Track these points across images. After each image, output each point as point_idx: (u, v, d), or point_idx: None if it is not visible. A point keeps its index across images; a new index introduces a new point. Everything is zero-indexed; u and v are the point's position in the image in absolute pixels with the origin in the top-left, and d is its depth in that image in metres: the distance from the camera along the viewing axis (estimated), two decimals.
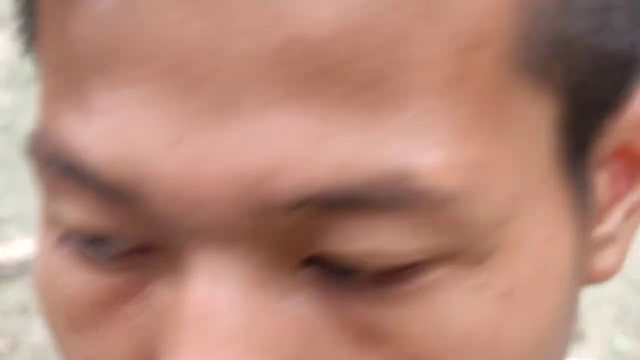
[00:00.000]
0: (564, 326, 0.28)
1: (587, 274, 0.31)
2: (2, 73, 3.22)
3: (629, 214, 0.31)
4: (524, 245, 0.25)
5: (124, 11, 0.23)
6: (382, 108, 0.22)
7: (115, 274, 0.26)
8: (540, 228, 0.26)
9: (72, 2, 0.24)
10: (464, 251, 0.24)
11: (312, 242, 0.24)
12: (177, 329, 0.24)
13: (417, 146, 0.23)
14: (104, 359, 0.27)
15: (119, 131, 0.23)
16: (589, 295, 2.42)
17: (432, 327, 0.24)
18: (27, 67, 3.05)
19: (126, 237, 0.25)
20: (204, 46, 0.22)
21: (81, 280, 0.26)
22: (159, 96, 0.23)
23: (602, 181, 0.30)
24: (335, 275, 0.24)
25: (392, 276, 0.24)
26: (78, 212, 0.25)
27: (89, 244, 0.26)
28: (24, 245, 2.67)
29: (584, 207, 0.28)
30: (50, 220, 0.27)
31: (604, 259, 0.31)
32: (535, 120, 0.25)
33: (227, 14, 0.22)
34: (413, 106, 0.23)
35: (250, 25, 0.22)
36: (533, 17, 0.24)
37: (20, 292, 2.53)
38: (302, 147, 0.22)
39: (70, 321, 0.27)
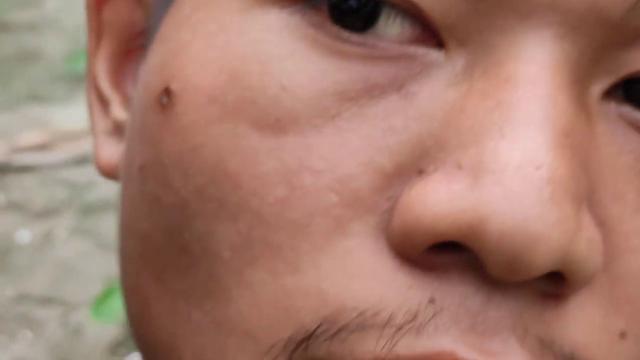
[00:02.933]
0: None
1: None
2: None
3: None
4: None
5: None
6: None
7: (370, 63, 0.23)
8: None
9: None
10: None
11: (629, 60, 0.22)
12: (500, 113, 0.21)
13: None
14: (319, 165, 0.22)
15: None
16: None
17: None
18: None
19: (405, 12, 0.22)
20: None
21: (314, 67, 0.23)
22: None
23: None
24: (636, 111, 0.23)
25: None
26: None
27: (342, 17, 0.22)
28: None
29: None
30: None
31: None
32: None
33: None
34: None
35: None
36: None
37: None
38: None
39: (272, 120, 0.23)
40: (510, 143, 0.21)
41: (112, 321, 1.79)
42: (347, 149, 0.22)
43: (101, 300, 1.81)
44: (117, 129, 0.30)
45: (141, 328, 0.26)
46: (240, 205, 0.23)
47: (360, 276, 0.22)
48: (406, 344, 0.21)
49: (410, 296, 0.22)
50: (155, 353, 0.26)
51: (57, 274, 2.16)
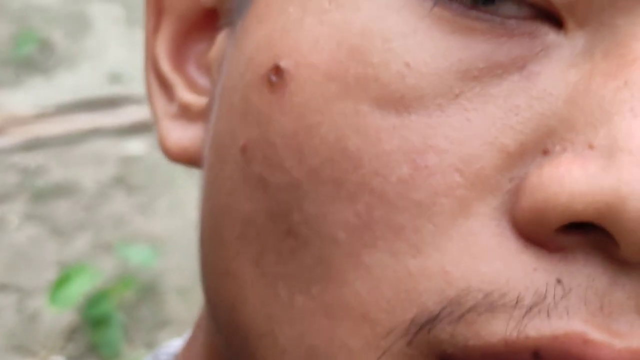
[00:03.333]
0: None
1: None
2: None
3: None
4: None
5: None
6: None
7: (493, 41, 0.23)
8: None
9: None
10: None
11: None
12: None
13: None
14: (444, 145, 0.22)
15: None
16: None
17: None
18: None
19: None
20: None
21: (437, 44, 0.23)
22: None
23: None
24: None
25: None
26: None
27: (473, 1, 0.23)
28: None
29: None
30: None
31: None
32: None
33: None
34: None
35: None
36: None
37: None
38: None
39: (395, 98, 0.22)
40: None
41: (69, 307, 1.78)
42: (471, 129, 0.22)
43: (58, 286, 1.79)
44: (184, 112, 0.29)
45: (231, 313, 0.25)
46: (360, 185, 0.22)
47: (485, 258, 0.22)
48: (536, 326, 0.21)
49: (536, 277, 0.21)
50: (245, 338, 0.25)
51: (10, 260, 2.13)
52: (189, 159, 0.29)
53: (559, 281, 0.21)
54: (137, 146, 2.22)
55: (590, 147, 0.21)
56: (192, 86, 0.30)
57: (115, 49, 2.53)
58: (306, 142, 0.23)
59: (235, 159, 0.25)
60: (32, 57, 2.54)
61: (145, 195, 2.09)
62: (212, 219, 0.26)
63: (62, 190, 2.24)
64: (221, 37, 0.29)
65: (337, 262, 0.23)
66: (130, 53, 2.43)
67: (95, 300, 1.78)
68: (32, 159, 2.43)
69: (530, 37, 0.23)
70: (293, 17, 0.24)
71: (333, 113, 0.23)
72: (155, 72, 0.30)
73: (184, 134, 0.29)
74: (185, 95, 0.30)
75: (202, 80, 0.30)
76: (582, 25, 0.23)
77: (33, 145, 2.37)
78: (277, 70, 0.24)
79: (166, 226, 1.99)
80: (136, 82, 2.21)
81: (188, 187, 1.97)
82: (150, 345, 1.76)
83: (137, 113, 2.23)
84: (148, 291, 1.86)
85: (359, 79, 0.23)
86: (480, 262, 0.22)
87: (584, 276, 0.22)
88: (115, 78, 2.45)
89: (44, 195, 2.32)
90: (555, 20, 0.23)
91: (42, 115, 2.40)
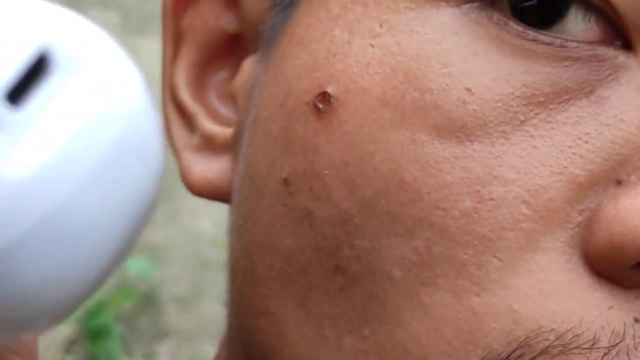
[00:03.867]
0: None
1: None
2: None
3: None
4: None
5: None
6: None
7: (559, 65, 0.21)
8: None
9: None
10: None
11: None
12: None
13: None
14: (510, 175, 0.21)
15: None
16: None
17: None
18: None
19: (593, 8, 0.21)
20: None
21: (499, 68, 0.22)
22: None
23: None
24: None
25: None
26: None
27: (524, 12, 0.22)
28: None
29: None
30: None
31: None
32: None
33: None
34: None
35: None
36: None
37: None
38: None
39: (456, 126, 0.21)
40: None
41: (67, 319, 1.77)
42: (538, 158, 0.21)
43: None
44: (208, 144, 0.28)
45: (270, 354, 0.24)
46: (419, 218, 0.21)
47: (556, 295, 0.20)
48: None
49: (612, 316, 0.20)
50: None
51: None
52: (214, 193, 0.28)
53: (637, 320, 0.20)
54: None
55: None
56: (214, 116, 0.29)
57: None
58: (358, 172, 0.22)
59: (275, 191, 0.23)
60: None
61: None
62: (247, 255, 0.25)
63: None
64: (248, 64, 0.27)
65: (392, 301, 0.21)
66: None
67: (93, 311, 1.77)
68: None
69: (597, 61, 0.22)
70: (339, 40, 0.23)
71: (388, 142, 0.21)
72: (174, 101, 0.29)
73: (208, 167, 0.28)
74: (208, 125, 0.28)
75: (224, 110, 0.29)
76: None
77: None
78: (324, 96, 0.22)
79: (165, 236, 1.98)
80: None
81: (187, 197, 1.97)
82: (149, 356, 1.75)
83: None
84: (147, 302, 1.85)
85: (416, 105, 0.21)
86: (551, 300, 0.21)
87: None
88: None
89: None
90: (623, 43, 0.22)
91: None
